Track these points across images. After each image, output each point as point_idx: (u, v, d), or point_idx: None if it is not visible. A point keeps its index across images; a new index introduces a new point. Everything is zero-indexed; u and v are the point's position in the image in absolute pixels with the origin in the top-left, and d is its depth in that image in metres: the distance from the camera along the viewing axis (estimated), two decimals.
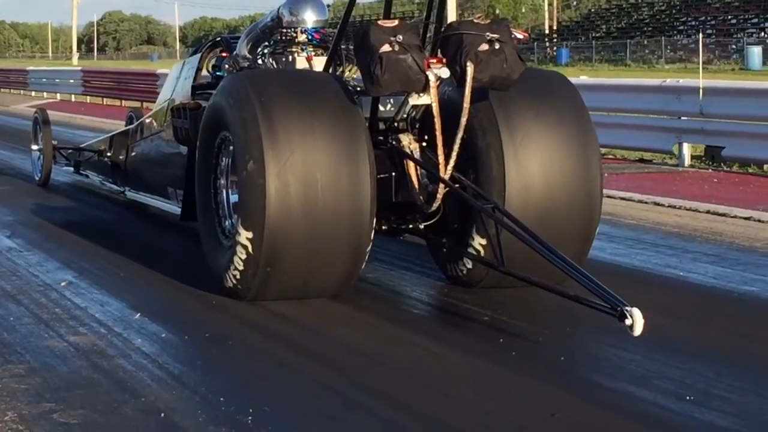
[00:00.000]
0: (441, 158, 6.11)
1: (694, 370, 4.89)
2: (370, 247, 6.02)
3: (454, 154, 6.08)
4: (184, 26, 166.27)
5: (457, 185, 6.17)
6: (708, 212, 9.68)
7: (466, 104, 6.05)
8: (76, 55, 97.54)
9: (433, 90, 6.08)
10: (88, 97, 32.11)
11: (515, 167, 6.13)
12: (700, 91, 13.41)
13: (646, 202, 10.47)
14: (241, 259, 5.89)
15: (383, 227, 6.57)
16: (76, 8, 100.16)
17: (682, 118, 13.81)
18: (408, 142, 6.47)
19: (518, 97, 6.25)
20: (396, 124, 6.70)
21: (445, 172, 6.11)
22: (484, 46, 6.03)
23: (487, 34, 6.04)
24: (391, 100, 6.79)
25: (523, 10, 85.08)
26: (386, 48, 5.92)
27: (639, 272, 7.12)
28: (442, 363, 5.03)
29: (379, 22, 6.11)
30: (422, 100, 6.29)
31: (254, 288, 5.97)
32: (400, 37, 5.95)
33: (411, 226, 6.66)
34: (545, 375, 4.84)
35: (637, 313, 4.82)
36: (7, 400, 4.40)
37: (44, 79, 36.56)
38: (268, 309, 5.96)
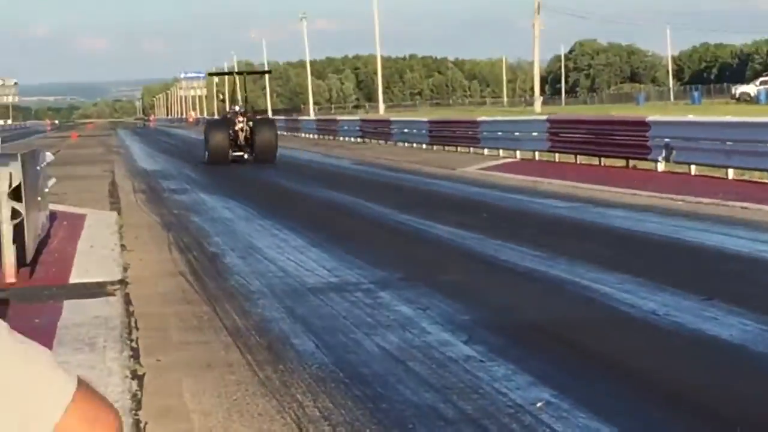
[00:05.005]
0: None
1: None
2: None
3: None
4: (679, 56, 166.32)
5: None
6: None
7: None
8: (539, 100, 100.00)
9: None
10: (557, 155, 32.48)
11: None
12: None
13: None
14: None
15: None
16: (537, 39, 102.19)
17: None
18: None
19: None
20: None
21: None
22: None
23: None
24: None
25: None
26: None
27: None
28: None
29: None
30: None
31: None
32: None
33: None
34: None
35: None
36: None
37: (499, 133, 37.47)
38: None
